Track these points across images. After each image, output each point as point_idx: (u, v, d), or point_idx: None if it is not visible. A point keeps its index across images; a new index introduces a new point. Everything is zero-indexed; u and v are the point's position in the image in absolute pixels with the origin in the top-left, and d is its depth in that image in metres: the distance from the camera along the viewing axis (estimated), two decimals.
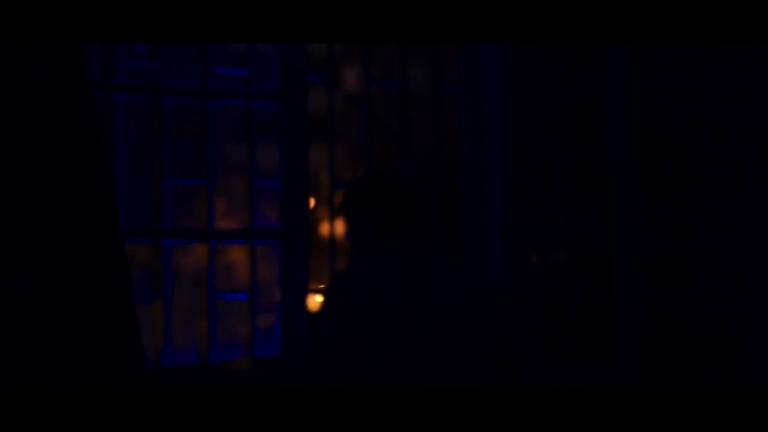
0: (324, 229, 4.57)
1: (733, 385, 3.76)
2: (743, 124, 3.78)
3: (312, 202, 4.48)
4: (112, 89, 4.18)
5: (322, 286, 4.41)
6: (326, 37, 4.15)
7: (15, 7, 3.21)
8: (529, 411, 3.01)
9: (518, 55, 4.73)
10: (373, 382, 2.94)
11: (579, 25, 3.97)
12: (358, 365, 2.97)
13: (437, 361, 2.97)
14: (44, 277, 3.33)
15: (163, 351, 4.20)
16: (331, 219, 4.49)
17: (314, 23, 4.02)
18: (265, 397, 3.26)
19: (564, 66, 4.49)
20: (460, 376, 3.00)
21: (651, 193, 4.04)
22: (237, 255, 4.40)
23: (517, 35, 4.13)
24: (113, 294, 3.45)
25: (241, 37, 3.82)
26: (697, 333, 3.88)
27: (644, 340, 4.00)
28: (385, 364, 2.94)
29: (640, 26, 3.83)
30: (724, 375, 3.82)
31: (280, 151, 4.40)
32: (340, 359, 2.95)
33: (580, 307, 4.34)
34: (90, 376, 3.37)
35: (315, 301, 4.37)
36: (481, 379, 3.03)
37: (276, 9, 3.88)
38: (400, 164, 4.67)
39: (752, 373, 3.74)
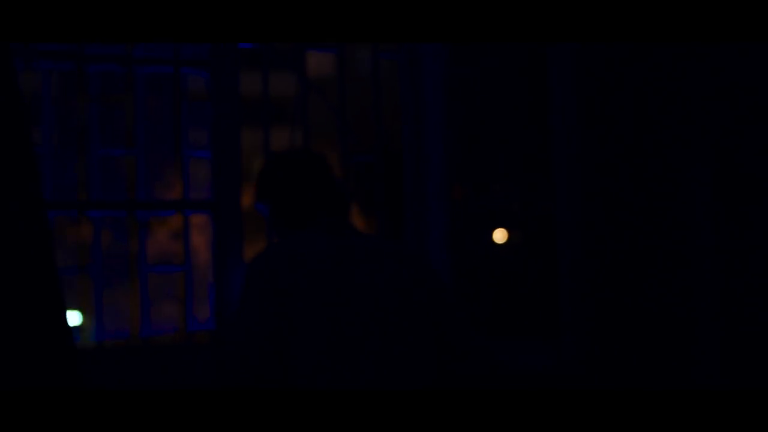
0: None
1: (674, 355, 3.72)
2: (686, 92, 3.73)
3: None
4: (35, 57, 4.04)
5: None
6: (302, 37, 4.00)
7: None
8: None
9: None
10: (303, 365, 2.85)
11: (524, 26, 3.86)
12: (287, 348, 2.87)
13: (368, 340, 2.89)
14: None
15: (92, 327, 4.07)
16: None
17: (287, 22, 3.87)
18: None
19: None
20: (393, 353, 2.91)
21: (593, 164, 3.97)
22: (171, 227, 4.28)
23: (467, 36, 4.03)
24: (36, 268, 3.34)
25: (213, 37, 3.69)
26: (639, 304, 3.82)
27: (587, 312, 3.94)
28: (315, 346, 2.85)
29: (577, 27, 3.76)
30: (666, 345, 3.77)
31: (211, 120, 4.25)
32: (266, 345, 2.85)
33: (524, 280, 4.27)
34: (11, 352, 3.27)
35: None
36: (415, 353, 2.95)
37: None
38: (338, 137, 4.55)
39: (694, 343, 3.70)
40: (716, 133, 3.79)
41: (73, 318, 4.17)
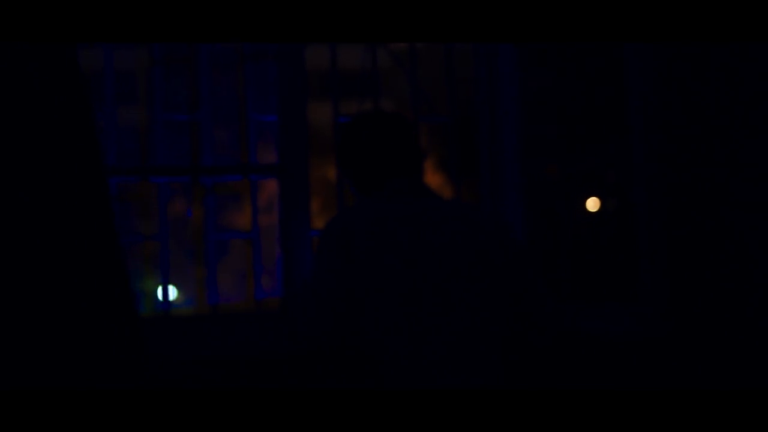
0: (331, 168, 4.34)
1: (756, 322, 3.54)
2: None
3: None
4: None
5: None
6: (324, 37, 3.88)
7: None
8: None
9: None
10: (375, 328, 2.83)
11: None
12: (360, 311, 2.85)
13: (441, 302, 2.85)
14: (24, 218, 3.17)
15: (158, 294, 3.99)
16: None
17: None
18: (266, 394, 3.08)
19: None
20: (467, 315, 2.87)
21: (671, 129, 3.79)
22: (237, 192, 4.19)
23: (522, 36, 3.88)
24: (97, 236, 3.28)
25: (237, 36, 3.58)
26: (719, 268, 3.65)
27: (666, 276, 3.76)
28: (388, 308, 2.82)
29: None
30: (747, 310, 3.59)
31: (277, 81, 4.13)
32: (340, 307, 2.83)
33: (602, 241, 4.12)
34: (76, 325, 3.22)
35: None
36: (487, 316, 2.90)
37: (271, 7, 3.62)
38: (411, 97, 4.41)
39: None
40: None
41: (170, 292, 4.10)
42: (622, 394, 3.14)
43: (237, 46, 4.16)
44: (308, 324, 2.83)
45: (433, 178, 4.76)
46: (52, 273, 3.18)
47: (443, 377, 2.80)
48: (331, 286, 2.83)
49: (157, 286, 4.05)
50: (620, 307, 3.91)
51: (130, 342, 3.29)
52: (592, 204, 4.34)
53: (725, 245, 3.65)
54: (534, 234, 4.37)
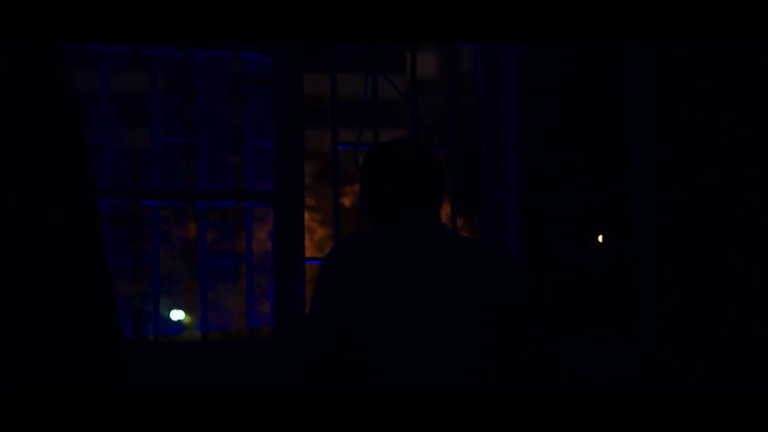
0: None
1: (760, 361, 3.46)
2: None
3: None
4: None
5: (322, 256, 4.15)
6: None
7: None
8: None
9: None
10: (373, 357, 2.80)
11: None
12: (359, 340, 2.81)
13: (441, 338, 2.81)
14: (8, 236, 3.13)
15: (147, 320, 3.93)
16: (334, 186, 4.19)
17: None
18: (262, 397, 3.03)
19: None
20: (464, 354, 2.83)
21: (673, 164, 3.73)
22: (231, 219, 4.13)
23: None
24: (83, 257, 3.24)
25: (232, 36, 3.54)
26: (718, 301, 3.58)
27: (662, 313, 3.69)
28: (385, 339, 2.79)
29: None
30: (750, 350, 3.52)
31: (273, 106, 4.08)
32: (342, 325, 2.79)
33: (599, 276, 4.05)
34: (59, 347, 3.18)
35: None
36: (487, 357, 2.87)
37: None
38: (411, 129, 4.37)
39: None
40: None
41: (178, 314, 4.06)
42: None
43: (235, 71, 4.11)
44: (310, 341, 2.80)
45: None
46: (35, 293, 3.14)
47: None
48: (333, 305, 2.80)
49: (169, 311, 4.01)
50: (614, 346, 3.85)
51: (113, 366, 3.25)
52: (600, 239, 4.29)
53: (726, 286, 3.58)
54: (532, 267, 4.31)
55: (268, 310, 4.09)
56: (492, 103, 4.50)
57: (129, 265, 3.94)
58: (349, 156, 4.24)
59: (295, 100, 4.06)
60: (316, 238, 4.24)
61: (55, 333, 3.17)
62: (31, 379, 3.12)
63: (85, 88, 3.97)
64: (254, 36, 3.48)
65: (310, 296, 3.57)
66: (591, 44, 4.11)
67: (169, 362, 3.77)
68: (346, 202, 4.35)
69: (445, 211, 4.70)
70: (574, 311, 4.14)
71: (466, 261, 2.90)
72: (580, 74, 4.20)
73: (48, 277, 3.16)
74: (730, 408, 3.08)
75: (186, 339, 4.02)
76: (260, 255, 4.15)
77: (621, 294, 3.89)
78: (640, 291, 3.73)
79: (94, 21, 3.18)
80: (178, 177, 4.04)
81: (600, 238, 4.19)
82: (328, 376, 2.85)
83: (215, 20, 3.39)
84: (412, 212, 2.96)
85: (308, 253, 4.06)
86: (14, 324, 3.10)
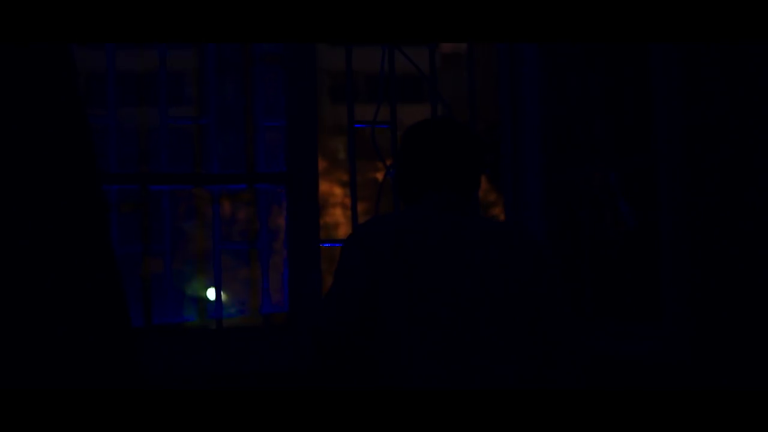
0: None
1: None
2: None
3: None
4: None
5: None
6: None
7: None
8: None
9: None
10: (394, 338, 2.75)
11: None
12: (380, 319, 2.76)
13: (465, 323, 2.75)
14: (11, 225, 3.02)
15: (157, 307, 3.81)
16: (351, 166, 4.05)
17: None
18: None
19: None
20: (489, 339, 2.77)
21: (698, 138, 3.57)
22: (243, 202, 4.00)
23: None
24: (88, 244, 3.14)
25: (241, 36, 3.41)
26: (747, 280, 3.43)
27: (691, 293, 3.54)
28: (407, 321, 2.73)
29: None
30: None
31: (284, 84, 3.93)
32: (359, 308, 2.73)
33: (624, 256, 3.91)
34: (65, 335, 3.08)
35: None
36: (512, 343, 2.81)
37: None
38: (431, 105, 4.22)
39: None
40: None
41: (210, 293, 3.95)
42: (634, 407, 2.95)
43: (245, 48, 3.98)
44: (328, 318, 2.73)
45: None
46: (40, 282, 3.05)
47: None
48: (355, 281, 2.74)
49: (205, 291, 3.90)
50: (642, 327, 3.70)
51: (121, 354, 3.15)
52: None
53: (756, 265, 3.43)
54: (555, 245, 4.17)
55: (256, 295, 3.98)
56: (513, 77, 4.35)
57: (138, 251, 3.82)
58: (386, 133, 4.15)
59: (307, 76, 3.90)
60: (350, 214, 4.13)
61: (60, 324, 3.08)
62: (36, 372, 3.03)
63: (91, 67, 3.86)
64: (262, 35, 3.37)
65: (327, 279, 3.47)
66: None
67: (180, 350, 3.66)
68: (380, 177, 4.23)
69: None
70: (600, 291, 4.00)
71: (493, 245, 2.81)
72: (603, 46, 4.05)
73: (51, 267, 3.06)
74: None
75: (199, 326, 3.90)
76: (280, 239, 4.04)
77: (647, 274, 3.74)
78: (666, 270, 3.58)
79: (96, 20, 3.08)
80: (187, 160, 3.91)
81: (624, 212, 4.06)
82: (344, 354, 2.77)
83: (221, 18, 3.28)
84: (440, 194, 2.88)
85: (342, 230, 3.95)
86: (17, 317, 3.00)
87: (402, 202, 3.00)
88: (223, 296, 3.86)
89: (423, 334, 2.72)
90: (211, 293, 3.90)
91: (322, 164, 4.05)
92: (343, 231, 3.99)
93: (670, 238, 3.56)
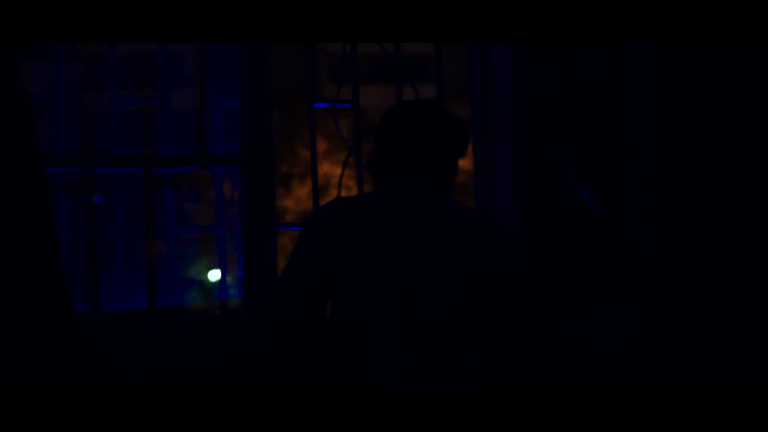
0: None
1: (762, 330, 3.18)
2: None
3: None
4: None
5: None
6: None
7: None
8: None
9: None
10: (354, 322, 2.58)
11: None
12: (340, 305, 2.60)
13: (429, 307, 2.58)
14: None
15: (105, 294, 3.67)
16: (312, 147, 3.90)
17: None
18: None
19: None
20: (454, 324, 2.60)
21: (667, 120, 3.43)
22: (196, 184, 3.87)
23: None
24: (26, 233, 3.01)
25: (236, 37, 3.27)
26: (722, 268, 3.29)
27: (660, 277, 3.40)
28: (369, 306, 2.57)
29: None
30: (755, 319, 3.23)
31: (238, 61, 3.78)
32: (317, 284, 2.57)
33: (593, 241, 3.77)
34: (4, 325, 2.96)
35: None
36: (479, 329, 2.63)
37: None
38: (396, 85, 4.07)
39: None
40: None
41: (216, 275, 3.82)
42: (611, 398, 2.80)
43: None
44: (281, 296, 2.59)
45: None
46: None
47: (424, 381, 2.58)
48: (310, 264, 2.58)
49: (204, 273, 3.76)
50: (611, 311, 3.57)
51: (64, 344, 3.02)
52: None
53: (726, 247, 3.29)
54: (525, 231, 4.04)
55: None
56: (483, 59, 4.21)
57: (84, 236, 3.69)
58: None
59: (261, 53, 3.76)
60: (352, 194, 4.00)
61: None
62: None
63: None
64: (258, 35, 3.23)
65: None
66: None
67: (128, 338, 3.52)
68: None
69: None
70: (572, 276, 3.87)
71: (462, 230, 2.66)
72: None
73: None
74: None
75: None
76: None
77: (616, 258, 3.61)
78: (634, 254, 3.44)
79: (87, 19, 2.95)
80: (135, 141, 3.78)
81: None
82: (298, 337, 2.62)
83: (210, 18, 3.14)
84: (412, 177, 2.72)
85: None
86: None
87: (375, 183, 2.84)
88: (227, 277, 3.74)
89: (384, 318, 2.57)
90: (213, 275, 3.76)
91: (322, 145, 3.90)
92: None
93: (637, 221, 3.42)
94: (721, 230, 3.27)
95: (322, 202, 3.88)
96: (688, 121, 3.38)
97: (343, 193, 3.88)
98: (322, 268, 2.58)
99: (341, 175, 3.94)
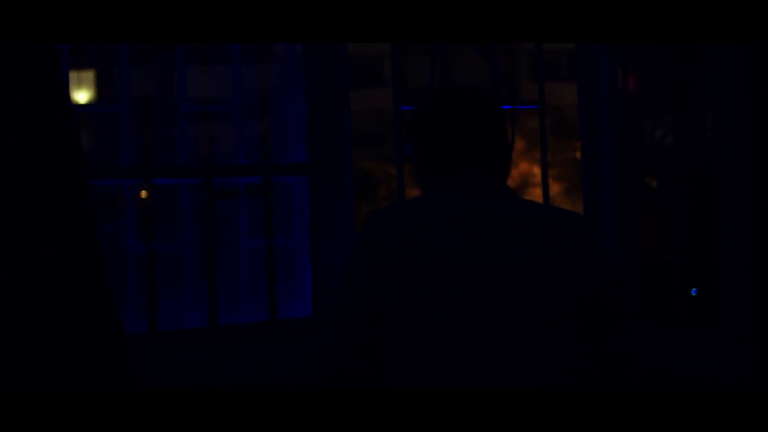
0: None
1: None
2: None
3: None
4: None
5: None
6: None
7: None
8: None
9: None
10: (408, 357, 2.24)
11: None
12: (383, 338, 2.27)
13: (496, 333, 2.22)
14: None
15: (162, 311, 3.50)
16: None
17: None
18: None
19: None
20: (527, 352, 2.23)
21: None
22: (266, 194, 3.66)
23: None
24: (70, 251, 2.88)
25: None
26: None
27: (753, 300, 3.05)
28: (424, 334, 2.22)
29: None
30: None
31: (304, 62, 3.56)
32: (362, 333, 2.27)
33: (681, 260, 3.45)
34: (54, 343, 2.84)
35: None
36: (556, 354, 2.26)
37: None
38: (491, 84, 3.79)
39: None
40: None
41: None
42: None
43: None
44: (331, 347, 2.31)
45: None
46: (23, 286, 2.80)
47: None
48: (360, 302, 2.26)
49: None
50: (698, 337, 3.25)
51: (113, 363, 2.88)
52: None
53: None
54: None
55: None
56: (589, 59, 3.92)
57: (154, 249, 3.52)
58: None
59: (332, 53, 3.53)
60: (550, 194, 3.78)
61: (44, 331, 2.83)
62: (23, 379, 2.79)
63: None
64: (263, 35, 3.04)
65: None
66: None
67: (181, 354, 3.35)
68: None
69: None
70: (651, 296, 3.54)
71: (529, 232, 2.28)
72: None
73: (35, 271, 2.80)
74: None
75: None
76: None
77: (706, 278, 3.28)
78: (726, 275, 3.10)
79: (95, 19, 2.81)
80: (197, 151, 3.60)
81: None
82: (349, 378, 2.35)
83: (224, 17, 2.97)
84: (466, 175, 2.37)
85: None
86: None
87: (421, 187, 2.49)
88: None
89: (441, 343, 2.23)
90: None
91: (519, 143, 3.68)
92: None
93: (731, 236, 3.08)
94: None
95: None
96: None
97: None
98: (371, 310, 2.27)
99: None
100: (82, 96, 3.80)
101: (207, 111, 3.63)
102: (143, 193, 3.56)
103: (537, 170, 3.66)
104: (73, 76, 3.55)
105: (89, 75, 3.81)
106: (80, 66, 3.62)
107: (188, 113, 3.58)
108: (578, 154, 3.83)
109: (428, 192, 2.41)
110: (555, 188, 3.66)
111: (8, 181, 2.80)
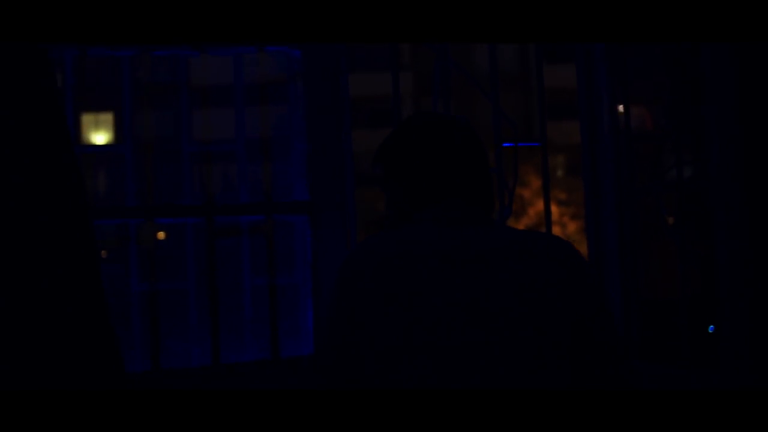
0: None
1: None
2: None
3: None
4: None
5: None
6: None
7: None
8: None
9: None
10: (388, 378, 2.16)
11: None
12: (367, 373, 2.20)
13: (481, 364, 2.15)
14: None
15: (166, 350, 3.52)
16: (500, 188, 3.65)
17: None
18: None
19: None
20: (516, 384, 2.14)
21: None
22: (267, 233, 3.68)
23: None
24: (73, 289, 2.89)
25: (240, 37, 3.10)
26: None
27: (750, 334, 3.05)
28: (403, 371, 2.14)
29: None
30: None
31: (304, 101, 3.59)
32: (343, 368, 2.21)
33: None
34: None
35: None
36: (546, 384, 2.16)
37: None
38: (493, 123, 3.81)
39: None
40: None
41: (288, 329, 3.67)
42: None
43: (260, 68, 3.67)
44: (322, 380, 2.25)
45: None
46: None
47: None
48: (334, 325, 2.21)
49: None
50: (696, 372, 3.24)
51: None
52: None
53: None
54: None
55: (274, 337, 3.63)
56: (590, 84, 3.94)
57: (159, 288, 3.54)
58: None
59: (332, 92, 3.56)
60: (567, 232, 3.77)
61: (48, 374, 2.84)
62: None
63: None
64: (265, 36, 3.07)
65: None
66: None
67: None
68: None
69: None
70: (648, 331, 3.53)
71: (516, 262, 2.20)
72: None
73: (36, 304, 2.82)
74: None
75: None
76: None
77: (702, 314, 3.27)
78: (725, 310, 3.10)
79: (98, 22, 2.83)
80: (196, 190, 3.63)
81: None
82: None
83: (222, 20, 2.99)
84: (446, 205, 2.29)
85: None
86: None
87: (396, 220, 2.36)
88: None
89: (424, 378, 2.15)
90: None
91: (535, 182, 3.68)
92: None
93: (729, 267, 3.09)
94: None
95: None
96: None
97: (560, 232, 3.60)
98: (343, 335, 2.22)
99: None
100: (100, 138, 3.82)
101: (209, 151, 3.65)
102: (161, 234, 3.58)
103: (554, 208, 3.66)
104: (89, 118, 3.58)
105: (108, 117, 3.84)
106: (98, 108, 3.66)
107: (192, 153, 3.62)
108: None
109: (405, 223, 2.33)
110: (571, 227, 3.66)
111: (9, 216, 2.82)
